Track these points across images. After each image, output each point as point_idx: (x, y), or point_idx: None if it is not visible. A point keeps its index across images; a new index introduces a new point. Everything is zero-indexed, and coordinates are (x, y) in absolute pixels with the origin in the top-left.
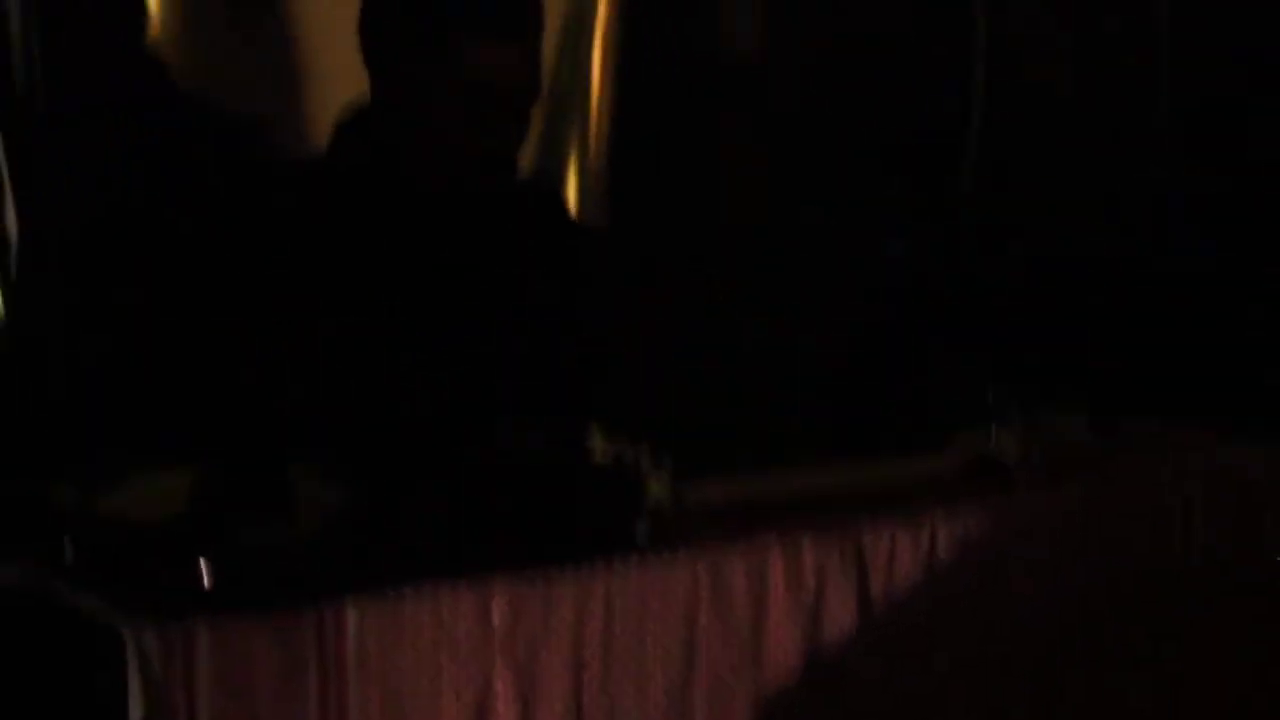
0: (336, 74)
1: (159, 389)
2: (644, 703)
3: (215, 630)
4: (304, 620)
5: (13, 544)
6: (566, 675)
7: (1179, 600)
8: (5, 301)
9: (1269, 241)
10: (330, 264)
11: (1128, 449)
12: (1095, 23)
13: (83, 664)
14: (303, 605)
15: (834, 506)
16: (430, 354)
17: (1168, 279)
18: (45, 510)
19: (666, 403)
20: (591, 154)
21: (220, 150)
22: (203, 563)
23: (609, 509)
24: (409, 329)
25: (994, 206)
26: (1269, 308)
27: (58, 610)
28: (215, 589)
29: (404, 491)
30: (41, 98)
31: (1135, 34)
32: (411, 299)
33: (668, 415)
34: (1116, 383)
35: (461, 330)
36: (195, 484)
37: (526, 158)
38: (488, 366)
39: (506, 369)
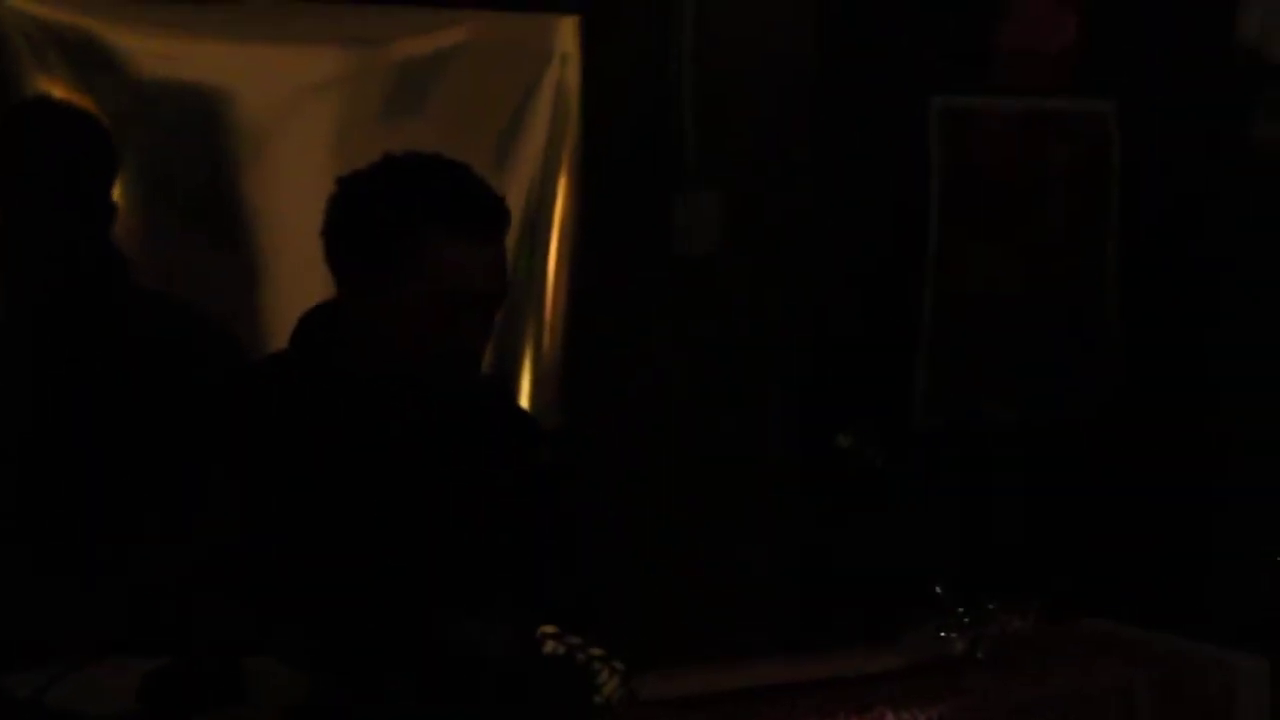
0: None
1: (114, 582)
2: None
3: None
4: None
5: None
6: None
7: None
8: None
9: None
10: (296, 460)
11: (1076, 643)
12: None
13: None
14: None
15: (784, 700)
16: (386, 549)
17: (1113, 474)
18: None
19: (619, 598)
20: (545, 352)
21: (185, 350)
22: None
23: (562, 705)
24: (366, 524)
25: (943, 402)
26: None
27: None
28: None
29: (360, 685)
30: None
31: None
32: (374, 496)
33: (621, 611)
34: (1065, 578)
35: (418, 526)
36: (145, 676)
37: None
38: (444, 562)
39: (461, 564)
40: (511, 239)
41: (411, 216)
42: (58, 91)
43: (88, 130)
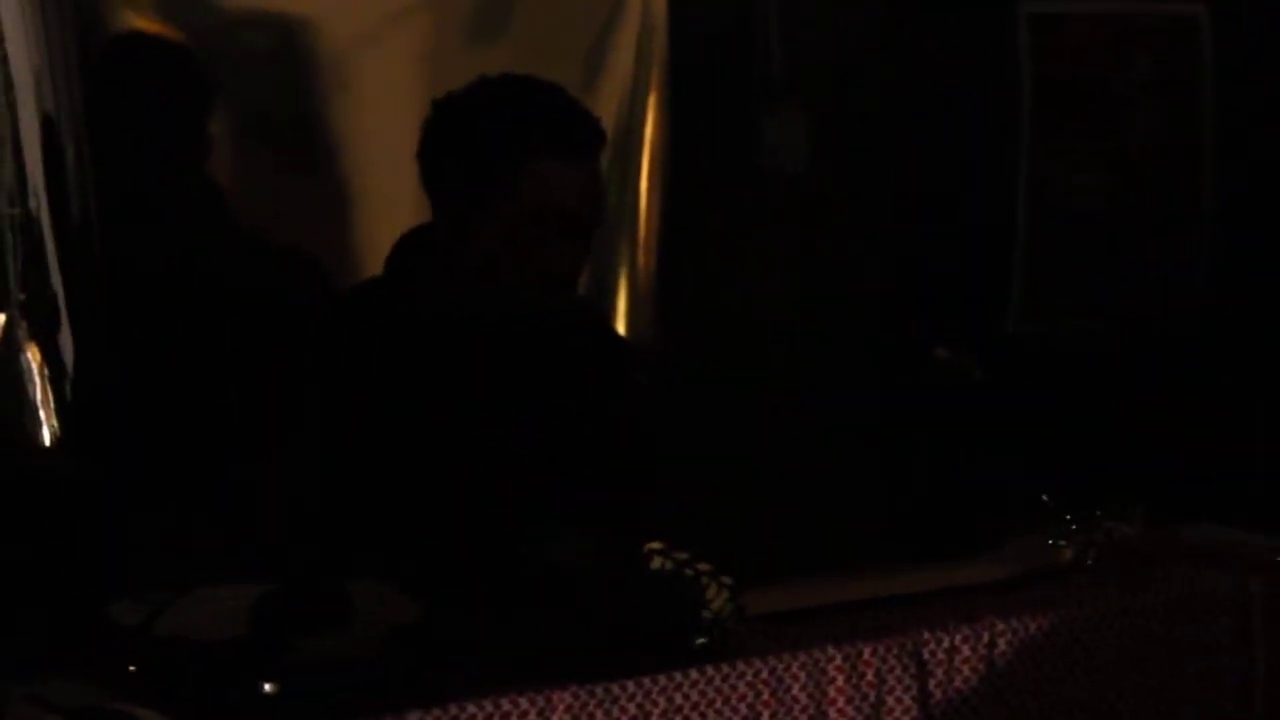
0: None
1: (218, 508)
2: None
3: None
4: None
5: (78, 661)
6: None
7: (1238, 700)
8: (63, 425)
9: None
10: (392, 385)
11: (1184, 549)
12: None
13: None
14: (365, 717)
15: (893, 612)
16: (491, 471)
17: (1219, 384)
18: (107, 628)
19: (724, 513)
20: (640, 272)
21: (283, 277)
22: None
23: (669, 620)
24: (468, 447)
25: (1041, 314)
26: None
27: None
28: (279, 702)
29: (466, 605)
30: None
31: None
32: (472, 418)
33: (726, 526)
34: (1172, 485)
35: (522, 448)
36: (256, 601)
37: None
38: (549, 483)
39: (567, 486)
40: (604, 160)
41: (508, 137)
42: (144, 25)
43: (181, 63)
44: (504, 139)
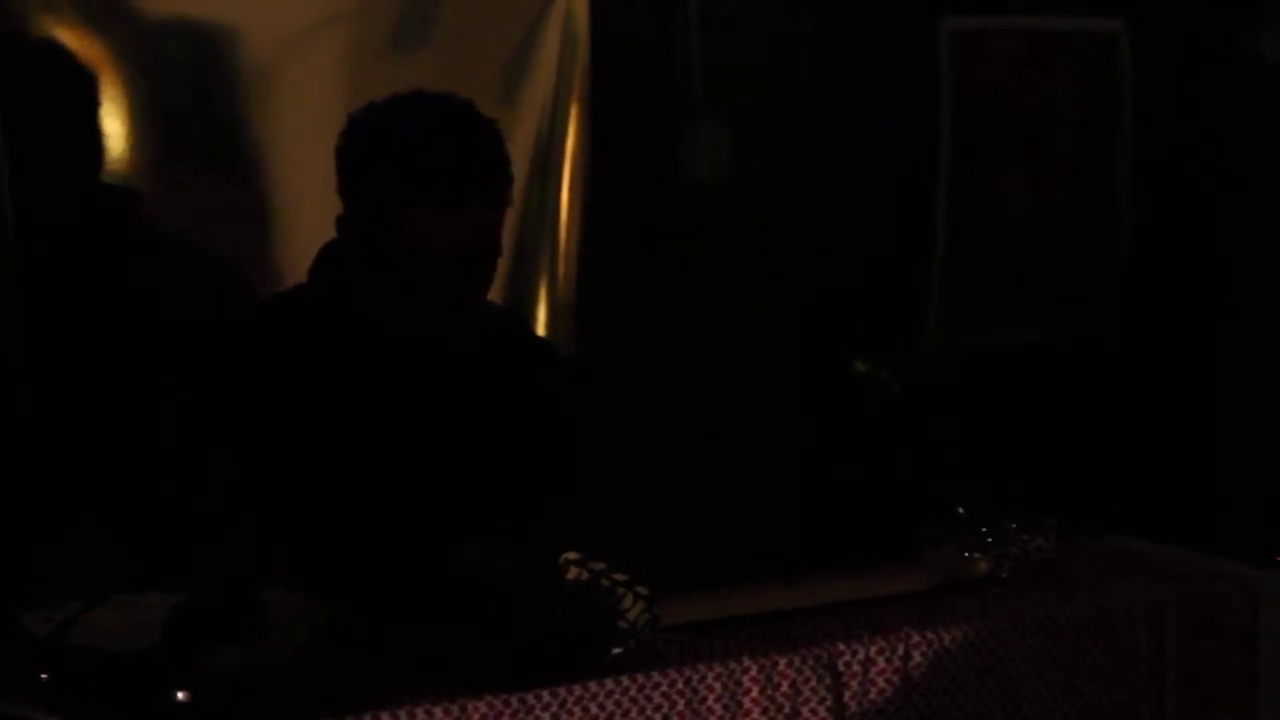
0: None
1: (131, 519)
2: None
3: None
4: None
5: None
6: None
7: (1150, 713)
8: None
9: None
10: (307, 393)
11: (1099, 561)
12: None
13: None
14: None
15: (808, 623)
16: (408, 480)
17: (1134, 392)
18: (19, 636)
19: (640, 523)
20: (560, 279)
21: (203, 283)
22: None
23: (585, 630)
24: (385, 455)
25: (959, 326)
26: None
27: None
28: (191, 711)
29: (380, 615)
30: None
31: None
32: (389, 426)
33: (642, 536)
34: (1087, 497)
35: (439, 456)
36: (170, 611)
37: (495, 290)
38: (464, 493)
39: (482, 495)
40: (522, 168)
41: (396, 185)
42: (61, 30)
43: (98, 68)
44: (393, 186)
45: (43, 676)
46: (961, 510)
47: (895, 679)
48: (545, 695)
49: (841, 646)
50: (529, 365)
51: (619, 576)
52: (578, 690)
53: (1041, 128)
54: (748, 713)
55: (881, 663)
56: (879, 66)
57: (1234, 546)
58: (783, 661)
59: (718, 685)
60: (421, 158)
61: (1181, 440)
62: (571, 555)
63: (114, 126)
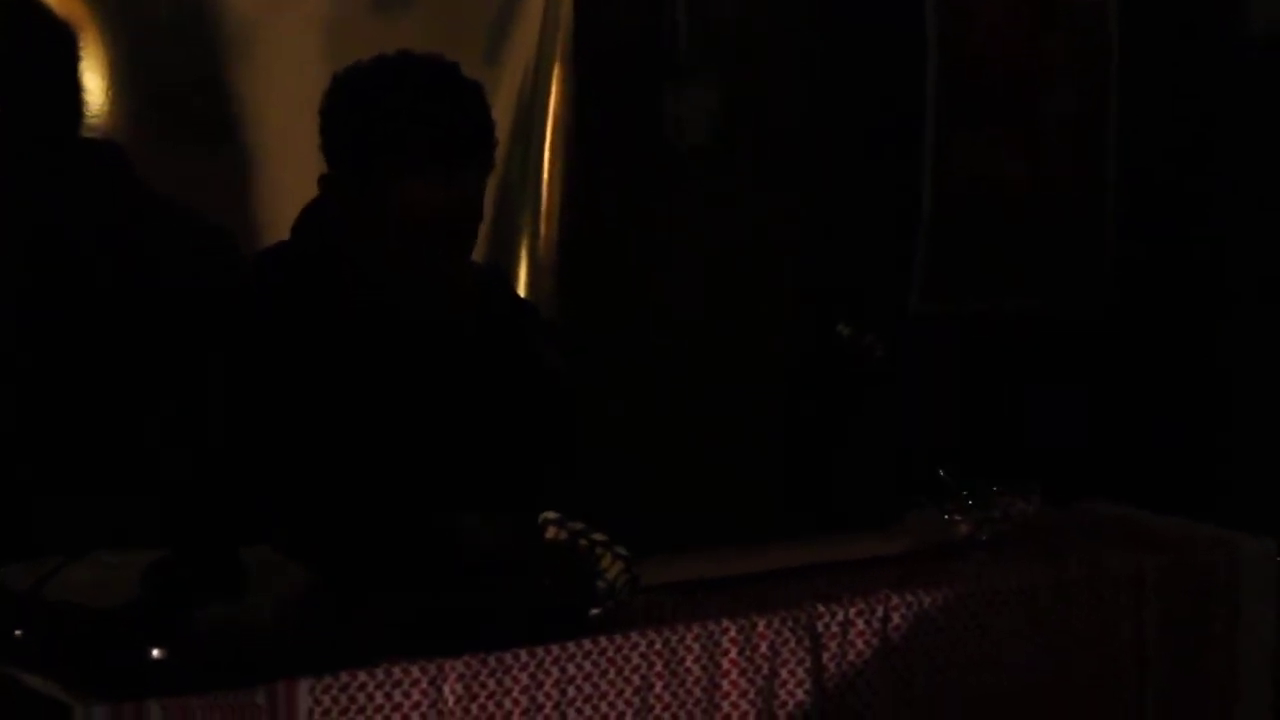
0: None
1: (112, 474)
2: None
3: (167, 708)
4: (256, 699)
5: None
6: None
7: (1131, 679)
8: None
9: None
10: (290, 353)
11: (1081, 526)
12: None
13: None
14: (255, 684)
15: (788, 585)
16: (390, 440)
17: (1118, 363)
18: None
19: (621, 484)
20: (543, 242)
21: (185, 242)
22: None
23: (564, 590)
24: (367, 416)
25: (945, 293)
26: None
27: (11, 689)
28: (169, 668)
29: (358, 573)
30: None
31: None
32: (372, 387)
33: (622, 497)
34: (1068, 461)
35: (416, 417)
36: (148, 567)
37: (477, 250)
38: (443, 453)
39: (461, 456)
40: (505, 130)
41: (385, 152)
42: None
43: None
44: (379, 151)
45: (17, 633)
46: (943, 473)
47: (874, 641)
48: (523, 655)
49: (821, 608)
50: (514, 325)
51: (598, 537)
52: (555, 650)
53: (1030, 91)
54: (726, 673)
55: (860, 624)
56: (866, 29)
57: (1223, 514)
58: (761, 623)
59: (696, 646)
60: (409, 125)
61: (1169, 405)
62: (550, 515)
63: (93, 83)
